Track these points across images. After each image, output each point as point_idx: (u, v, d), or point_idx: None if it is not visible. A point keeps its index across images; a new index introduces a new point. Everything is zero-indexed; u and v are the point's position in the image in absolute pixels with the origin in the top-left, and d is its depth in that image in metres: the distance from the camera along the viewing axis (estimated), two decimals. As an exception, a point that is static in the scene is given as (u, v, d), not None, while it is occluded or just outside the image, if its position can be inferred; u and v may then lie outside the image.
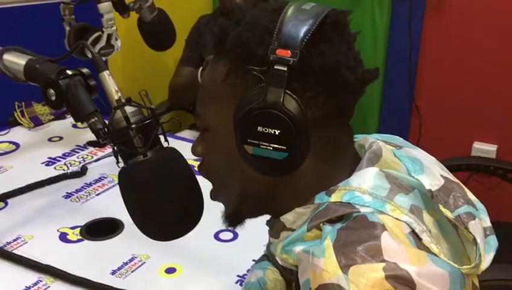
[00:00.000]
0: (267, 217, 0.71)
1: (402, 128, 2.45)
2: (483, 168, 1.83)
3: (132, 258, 1.12)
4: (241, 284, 1.04)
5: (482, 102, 2.29)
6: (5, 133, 1.70)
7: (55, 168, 1.50)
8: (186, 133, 2.09)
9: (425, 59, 2.35)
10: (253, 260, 1.08)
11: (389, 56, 2.38)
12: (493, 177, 1.92)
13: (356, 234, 0.56)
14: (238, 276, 1.07)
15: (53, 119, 1.80)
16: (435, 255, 0.56)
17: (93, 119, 0.77)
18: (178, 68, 2.14)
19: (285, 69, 0.57)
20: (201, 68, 1.84)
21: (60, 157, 1.56)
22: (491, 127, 2.32)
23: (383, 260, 0.53)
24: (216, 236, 1.19)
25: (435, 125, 2.41)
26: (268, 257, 0.96)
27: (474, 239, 0.58)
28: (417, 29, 2.31)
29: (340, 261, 0.54)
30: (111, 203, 1.30)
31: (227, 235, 1.19)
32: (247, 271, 1.07)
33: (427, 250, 0.57)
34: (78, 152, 1.59)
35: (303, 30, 0.58)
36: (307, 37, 0.58)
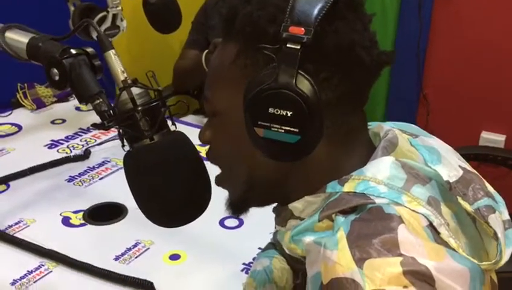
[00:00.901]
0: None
1: (409, 116, 2.43)
2: (491, 158, 1.81)
3: (136, 243, 1.10)
4: (246, 272, 1.03)
5: (491, 91, 2.26)
6: (7, 115, 1.68)
7: (57, 151, 1.48)
8: (191, 118, 2.06)
9: (434, 46, 2.31)
10: (259, 248, 1.06)
11: (398, 42, 2.34)
12: (501, 168, 1.90)
13: (371, 226, 0.53)
14: (243, 264, 1.05)
15: (56, 102, 1.78)
16: (454, 250, 0.54)
17: (98, 101, 0.74)
18: (183, 51, 2.10)
19: (299, 47, 0.54)
20: (206, 51, 1.81)
21: (62, 140, 1.54)
22: (499, 117, 2.29)
23: (400, 254, 0.50)
24: (221, 223, 1.17)
25: (442, 114, 2.38)
26: (274, 245, 0.94)
27: (495, 234, 0.56)
28: (427, 15, 2.27)
29: (354, 254, 0.51)
30: (114, 188, 1.28)
31: (233, 222, 1.17)
32: (253, 259, 1.05)
33: (445, 244, 0.54)
34: (81, 135, 1.57)
35: (317, 7, 0.56)
36: (322, 14, 0.55)
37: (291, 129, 0.56)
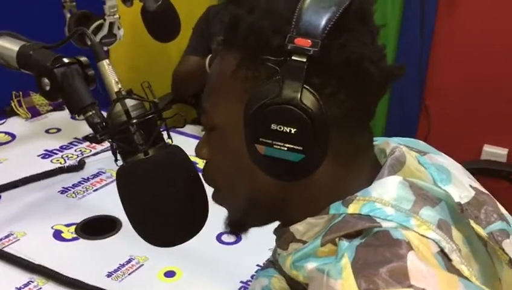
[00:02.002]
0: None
1: (410, 128, 2.39)
2: (495, 173, 1.78)
3: (130, 259, 1.06)
4: (244, 291, 0.99)
5: (493, 104, 2.23)
6: (1, 123, 1.64)
7: (51, 161, 1.44)
8: (188, 128, 2.03)
9: (436, 58, 2.29)
10: (258, 265, 1.03)
11: (399, 53, 2.31)
12: (502, 182, 1.86)
13: (378, 252, 0.50)
14: (241, 282, 1.01)
15: (51, 110, 1.74)
16: (467, 278, 0.50)
17: (91, 113, 0.71)
18: (183, 57, 2.08)
19: (305, 60, 0.51)
20: (209, 56, 1.77)
21: (57, 150, 1.50)
22: (502, 130, 2.26)
23: (410, 286, 0.47)
24: (218, 238, 1.13)
25: (444, 126, 2.35)
26: (274, 263, 0.90)
27: (510, 261, 0.53)
28: (429, 27, 2.25)
29: (360, 284, 0.48)
30: (109, 200, 1.24)
31: (231, 237, 1.13)
32: (251, 277, 1.01)
33: (458, 273, 0.51)
34: (76, 145, 1.53)
35: (325, 18, 0.53)
36: (329, 26, 0.52)
37: (295, 147, 0.53)
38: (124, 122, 0.67)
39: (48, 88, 0.72)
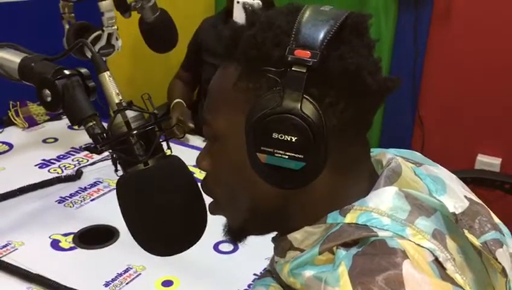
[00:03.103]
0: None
1: (404, 138, 2.42)
2: (489, 182, 1.80)
3: (127, 269, 1.07)
4: (241, 300, 0.99)
5: (487, 114, 2.26)
6: (-2, 133, 1.65)
7: (49, 170, 1.44)
8: (187, 138, 2.04)
9: (430, 69, 2.31)
10: (255, 274, 1.03)
11: (393, 65, 2.34)
12: (496, 191, 1.88)
13: (374, 261, 0.51)
14: (238, 291, 1.02)
15: (48, 120, 1.75)
16: (460, 287, 0.52)
17: (91, 123, 0.72)
18: (179, 70, 2.15)
19: (304, 70, 0.53)
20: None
21: (54, 159, 1.51)
22: (495, 140, 2.29)
23: None
24: (216, 247, 1.14)
25: (438, 136, 2.37)
26: (271, 272, 0.91)
27: (503, 270, 0.54)
28: (423, 39, 2.28)
29: None
30: (106, 210, 1.25)
31: (228, 247, 1.14)
32: (248, 286, 1.02)
33: (452, 281, 0.52)
34: (74, 155, 1.54)
35: (323, 31, 0.54)
36: (328, 38, 0.54)
37: (296, 155, 0.54)
38: (124, 133, 0.68)
39: (49, 99, 0.73)
